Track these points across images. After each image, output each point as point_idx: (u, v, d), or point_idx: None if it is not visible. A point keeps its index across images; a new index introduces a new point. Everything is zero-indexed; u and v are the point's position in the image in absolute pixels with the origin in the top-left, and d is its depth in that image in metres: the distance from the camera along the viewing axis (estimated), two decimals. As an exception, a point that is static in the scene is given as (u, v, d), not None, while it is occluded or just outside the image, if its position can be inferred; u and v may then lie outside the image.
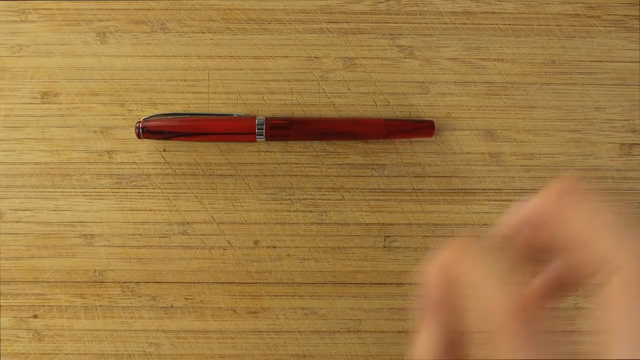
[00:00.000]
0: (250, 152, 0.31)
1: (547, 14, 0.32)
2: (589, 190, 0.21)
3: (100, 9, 0.31)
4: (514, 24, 0.32)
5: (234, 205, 0.31)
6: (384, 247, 0.31)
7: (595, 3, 0.32)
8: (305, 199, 0.31)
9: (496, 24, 0.32)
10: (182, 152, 0.31)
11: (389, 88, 0.31)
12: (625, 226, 0.20)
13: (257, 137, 0.30)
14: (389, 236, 0.31)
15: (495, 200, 0.31)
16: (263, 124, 0.30)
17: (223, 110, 0.31)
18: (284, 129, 0.30)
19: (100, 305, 0.30)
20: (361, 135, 0.30)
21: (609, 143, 0.31)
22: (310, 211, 0.31)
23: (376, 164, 0.31)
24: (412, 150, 0.31)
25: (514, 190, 0.31)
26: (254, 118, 0.30)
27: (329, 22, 0.32)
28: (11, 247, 0.31)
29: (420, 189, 0.31)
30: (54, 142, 0.31)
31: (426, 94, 0.31)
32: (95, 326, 0.30)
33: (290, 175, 0.31)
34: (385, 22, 0.32)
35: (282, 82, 0.31)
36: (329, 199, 0.31)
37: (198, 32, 0.32)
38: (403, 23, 0.32)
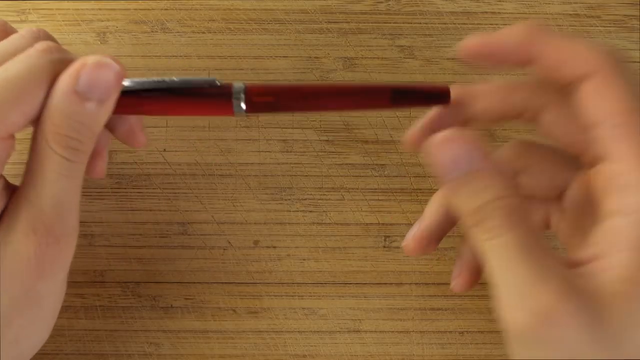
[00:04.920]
0: (250, 152, 0.31)
1: (547, 14, 0.32)
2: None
3: (100, 9, 0.32)
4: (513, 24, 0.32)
5: (234, 205, 0.31)
6: (384, 247, 0.31)
7: (595, 3, 0.32)
8: (305, 199, 0.31)
9: (496, 24, 0.32)
10: (182, 152, 0.31)
11: (389, 88, 0.31)
12: (595, 45, 0.22)
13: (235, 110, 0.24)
14: (389, 236, 0.31)
15: (495, 200, 0.31)
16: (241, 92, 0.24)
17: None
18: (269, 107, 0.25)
19: (100, 305, 0.30)
20: (362, 106, 0.25)
21: (609, 143, 0.31)
22: (310, 211, 0.31)
23: (376, 164, 0.31)
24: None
25: (514, 190, 0.31)
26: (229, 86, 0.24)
27: (329, 22, 0.32)
28: (11, 247, 0.30)
29: (420, 189, 0.31)
30: (54, 142, 0.31)
31: (426, 94, 0.31)
32: (95, 326, 0.30)
33: (290, 175, 0.31)
34: (385, 22, 0.32)
35: (282, 82, 0.31)
36: (329, 199, 0.31)
37: (198, 32, 0.32)
38: (403, 23, 0.32)
